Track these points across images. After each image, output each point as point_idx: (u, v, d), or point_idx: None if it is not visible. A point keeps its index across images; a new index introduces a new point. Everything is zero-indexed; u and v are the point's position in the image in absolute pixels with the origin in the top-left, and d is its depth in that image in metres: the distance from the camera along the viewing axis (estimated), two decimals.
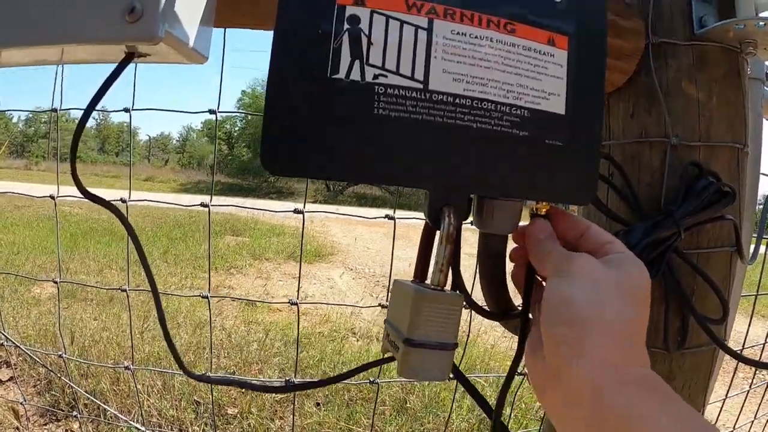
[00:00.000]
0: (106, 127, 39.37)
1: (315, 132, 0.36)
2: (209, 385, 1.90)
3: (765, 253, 1.09)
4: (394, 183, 0.38)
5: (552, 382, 0.36)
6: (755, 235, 0.86)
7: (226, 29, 0.64)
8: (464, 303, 0.39)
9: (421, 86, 0.37)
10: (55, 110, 0.97)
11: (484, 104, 0.38)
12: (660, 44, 0.63)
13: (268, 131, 0.35)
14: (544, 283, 0.43)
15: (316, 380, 0.54)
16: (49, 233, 5.43)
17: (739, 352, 0.65)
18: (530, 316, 0.44)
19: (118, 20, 0.37)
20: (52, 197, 1.02)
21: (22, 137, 35.41)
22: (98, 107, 0.44)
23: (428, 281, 0.39)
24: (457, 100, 0.37)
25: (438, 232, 0.38)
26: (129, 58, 0.41)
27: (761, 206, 0.84)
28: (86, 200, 0.46)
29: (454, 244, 0.38)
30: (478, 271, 0.44)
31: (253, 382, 0.57)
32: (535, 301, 0.43)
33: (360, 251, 6.42)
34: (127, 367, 1.07)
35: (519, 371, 1.13)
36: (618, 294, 0.36)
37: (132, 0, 0.36)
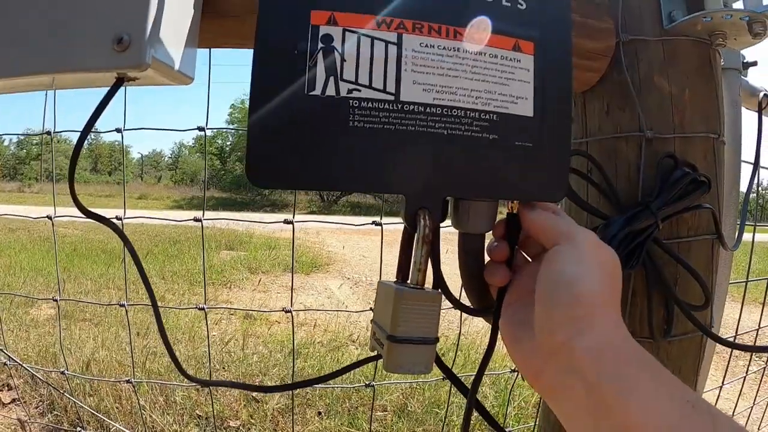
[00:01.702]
0: (97, 146, 39.25)
1: (296, 146, 0.38)
2: (211, 398, 1.91)
3: (753, 240, 1.11)
4: (372, 190, 0.40)
5: (545, 360, 0.38)
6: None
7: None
8: (444, 299, 0.41)
9: (392, 98, 0.39)
10: (48, 133, 0.99)
11: (454, 111, 0.40)
12: (630, 41, 0.64)
13: (252, 147, 0.38)
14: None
15: (310, 378, 0.56)
16: (44, 255, 5.42)
17: (733, 337, 0.66)
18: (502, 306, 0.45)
19: (107, 50, 0.39)
20: (49, 217, 1.03)
21: (14, 160, 35.27)
22: None
23: (409, 281, 0.41)
24: (428, 109, 0.39)
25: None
26: (119, 83, 0.43)
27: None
28: (81, 221, 0.48)
29: (430, 245, 0.40)
30: (458, 268, 0.45)
31: (249, 383, 0.59)
32: (516, 288, 0.44)
33: (357, 260, 6.42)
34: (128, 381, 1.09)
35: (513, 368, 1.15)
36: (609, 273, 0.38)
37: (119, 31, 0.38)
